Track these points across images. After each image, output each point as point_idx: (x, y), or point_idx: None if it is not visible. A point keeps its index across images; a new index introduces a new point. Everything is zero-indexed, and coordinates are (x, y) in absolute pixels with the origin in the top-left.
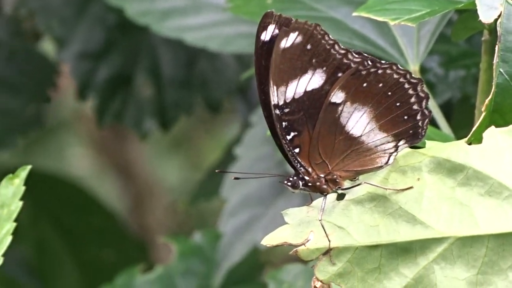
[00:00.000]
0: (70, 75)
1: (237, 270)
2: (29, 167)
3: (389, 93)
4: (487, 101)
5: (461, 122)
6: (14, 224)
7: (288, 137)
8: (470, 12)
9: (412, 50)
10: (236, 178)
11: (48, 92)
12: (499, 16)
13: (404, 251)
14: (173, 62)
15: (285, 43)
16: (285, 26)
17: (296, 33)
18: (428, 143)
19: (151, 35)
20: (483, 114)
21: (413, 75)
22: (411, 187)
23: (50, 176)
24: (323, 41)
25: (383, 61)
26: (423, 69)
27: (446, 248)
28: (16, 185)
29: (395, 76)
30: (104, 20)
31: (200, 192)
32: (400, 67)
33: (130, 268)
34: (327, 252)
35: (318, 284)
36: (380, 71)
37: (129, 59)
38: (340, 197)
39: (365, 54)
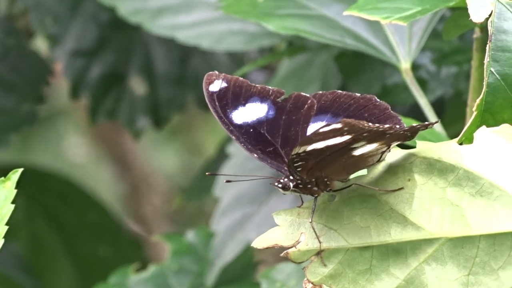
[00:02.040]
0: (63, 73)
1: (230, 269)
2: (20, 170)
3: (406, 133)
4: (478, 100)
5: (454, 118)
6: (6, 227)
7: (295, 165)
8: (462, 10)
9: (404, 47)
10: (228, 181)
11: (41, 90)
12: (490, 15)
13: (395, 252)
14: (166, 60)
15: (325, 130)
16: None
17: (340, 126)
18: (419, 143)
19: (144, 32)
20: (474, 113)
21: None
22: (401, 188)
23: (44, 172)
24: (361, 127)
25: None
26: (415, 66)
27: (437, 249)
28: (8, 188)
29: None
30: (97, 18)
31: (194, 190)
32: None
33: (124, 266)
34: (318, 253)
35: (310, 285)
36: (406, 128)
37: (122, 57)
38: (331, 198)
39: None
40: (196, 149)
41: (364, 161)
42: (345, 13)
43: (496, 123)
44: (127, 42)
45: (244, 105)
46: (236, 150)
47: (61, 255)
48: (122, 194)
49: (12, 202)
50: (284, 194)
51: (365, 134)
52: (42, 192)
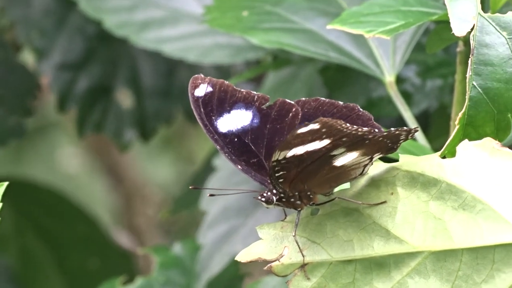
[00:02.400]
0: (50, 86)
1: (217, 282)
2: (5, 183)
3: (386, 141)
4: (460, 114)
5: (439, 131)
6: None
7: (277, 175)
8: (445, 24)
9: (388, 60)
10: (211, 195)
11: (29, 103)
12: (472, 28)
13: (378, 265)
14: (153, 72)
15: (303, 131)
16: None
17: (318, 126)
18: (402, 157)
19: (130, 45)
20: (457, 127)
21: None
22: (384, 202)
23: (34, 184)
24: (338, 128)
25: (392, 129)
26: (400, 79)
27: (420, 262)
28: None
29: (397, 132)
30: (84, 31)
31: (181, 202)
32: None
33: (111, 280)
34: (302, 267)
35: None
36: (385, 134)
37: (109, 70)
38: (315, 212)
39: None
40: (189, 159)
41: (347, 174)
42: (328, 26)
43: (479, 137)
44: (113, 55)
45: (229, 111)
46: (222, 163)
47: (50, 267)
48: (116, 205)
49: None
50: (267, 208)
51: (344, 139)
52: (32, 205)
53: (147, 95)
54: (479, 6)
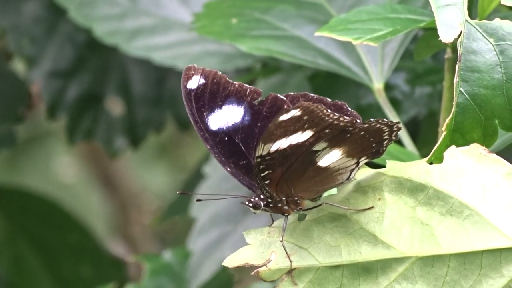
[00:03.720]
0: (40, 94)
1: None
2: None
3: (368, 137)
4: (447, 120)
5: (428, 138)
6: None
7: (262, 174)
8: (433, 31)
9: (377, 67)
10: (198, 200)
11: (20, 111)
12: (459, 35)
13: (365, 271)
14: (143, 80)
15: (284, 118)
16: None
17: (300, 113)
18: (389, 163)
19: (120, 53)
20: (444, 133)
21: (394, 124)
22: (372, 207)
23: (26, 193)
24: (320, 114)
25: (372, 120)
26: (388, 86)
27: (407, 268)
28: None
29: (378, 126)
30: (74, 39)
31: (172, 210)
32: (384, 120)
33: (101, 286)
34: (289, 272)
35: None
36: (365, 125)
37: (99, 77)
38: (302, 217)
39: (355, 114)
40: (185, 167)
41: (333, 179)
42: (317, 33)
43: (466, 143)
44: (103, 62)
45: (220, 107)
46: (212, 170)
47: (42, 276)
48: (111, 214)
49: None
50: (254, 213)
51: (326, 130)
52: (24, 213)
53: (137, 102)
54: (466, 13)
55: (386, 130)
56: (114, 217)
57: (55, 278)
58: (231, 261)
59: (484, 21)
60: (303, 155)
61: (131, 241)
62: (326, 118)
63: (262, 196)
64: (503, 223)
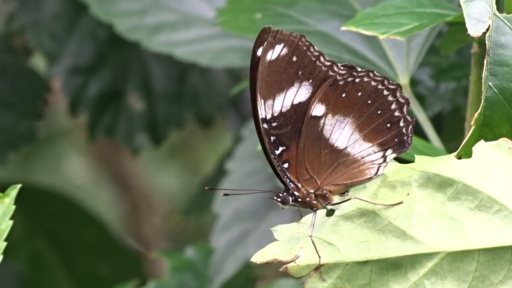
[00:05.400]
0: (61, 91)
1: (230, 285)
2: (19, 186)
3: (369, 102)
4: (476, 115)
5: (452, 134)
6: (5, 244)
7: (277, 152)
8: (459, 25)
9: (402, 62)
10: (225, 195)
11: (39, 107)
12: (488, 29)
13: (394, 266)
14: (164, 77)
15: (271, 55)
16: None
17: (282, 45)
18: (418, 157)
19: (141, 49)
20: (473, 128)
21: (391, 81)
22: (401, 202)
23: (43, 190)
24: (308, 53)
25: (359, 69)
26: (413, 82)
27: (436, 263)
28: (6, 204)
29: (373, 83)
30: (95, 35)
31: (193, 207)
32: (376, 73)
33: (123, 283)
34: (317, 268)
35: None
36: (357, 80)
37: (120, 74)
38: (330, 213)
39: (349, 65)
40: (197, 169)
41: (361, 173)
42: (343, 28)
43: (495, 137)
44: (124, 59)
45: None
46: (235, 166)
47: (60, 273)
48: (123, 214)
49: (11, 218)
50: (283, 208)
51: (318, 74)
52: (42, 211)
53: (158, 99)
54: (495, 6)
55: (387, 93)
56: (126, 217)
57: (72, 275)
58: (260, 257)
59: None
60: (308, 126)
61: (143, 241)
62: (315, 60)
63: (290, 191)
64: None
